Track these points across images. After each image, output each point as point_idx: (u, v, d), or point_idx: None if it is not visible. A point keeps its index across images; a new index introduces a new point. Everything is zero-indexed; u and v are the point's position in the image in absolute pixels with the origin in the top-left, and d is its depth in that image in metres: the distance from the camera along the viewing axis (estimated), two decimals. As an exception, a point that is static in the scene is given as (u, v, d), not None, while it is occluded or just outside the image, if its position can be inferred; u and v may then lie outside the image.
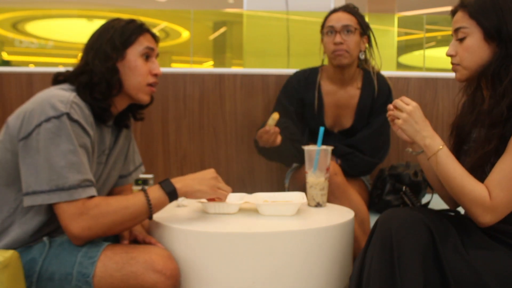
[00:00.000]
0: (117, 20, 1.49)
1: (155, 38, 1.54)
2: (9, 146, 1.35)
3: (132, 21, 1.49)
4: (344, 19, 2.09)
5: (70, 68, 1.48)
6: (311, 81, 2.23)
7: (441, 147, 1.35)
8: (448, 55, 1.43)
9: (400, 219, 1.28)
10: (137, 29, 1.48)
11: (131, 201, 1.36)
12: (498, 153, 1.32)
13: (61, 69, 1.52)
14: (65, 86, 1.43)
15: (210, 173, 1.49)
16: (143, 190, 1.38)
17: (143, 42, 1.48)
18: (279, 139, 1.92)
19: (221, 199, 1.51)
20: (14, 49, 5.33)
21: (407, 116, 1.39)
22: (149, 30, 1.51)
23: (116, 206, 1.33)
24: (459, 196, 1.33)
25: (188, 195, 1.43)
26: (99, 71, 1.42)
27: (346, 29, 2.08)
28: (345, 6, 2.14)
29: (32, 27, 5.62)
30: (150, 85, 1.50)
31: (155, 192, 1.38)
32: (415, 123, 1.38)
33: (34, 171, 1.29)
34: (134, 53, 1.46)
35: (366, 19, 2.22)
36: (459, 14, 1.40)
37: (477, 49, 1.37)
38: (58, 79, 1.47)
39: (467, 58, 1.38)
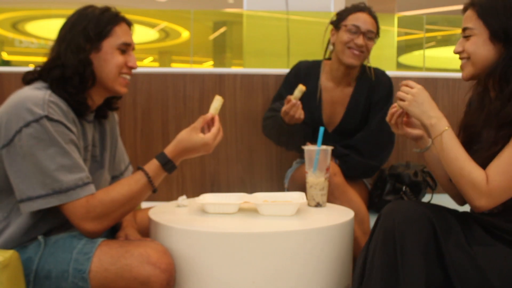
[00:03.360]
0: (91, 8, 1.44)
1: (130, 26, 1.50)
2: None
3: (107, 10, 1.44)
4: (370, 23, 2.09)
5: (38, 68, 1.44)
6: (313, 73, 2.21)
7: (446, 128, 1.37)
8: (455, 52, 1.44)
9: (403, 212, 1.28)
10: (113, 19, 1.44)
11: (133, 186, 1.38)
12: None
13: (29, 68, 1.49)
14: (38, 84, 1.39)
15: (201, 143, 1.46)
16: (140, 169, 1.40)
17: (120, 36, 1.44)
18: (303, 114, 1.96)
19: None
20: (14, 49, 5.33)
21: (412, 97, 1.42)
22: (125, 19, 1.48)
23: (120, 197, 1.36)
24: (457, 178, 1.34)
25: (187, 155, 1.46)
26: (71, 64, 1.38)
27: (369, 35, 2.08)
28: (369, 9, 2.13)
29: (32, 27, 5.61)
30: (121, 74, 1.46)
31: (152, 167, 1.41)
32: (421, 104, 1.40)
33: (24, 178, 1.29)
34: (110, 46, 1.43)
35: None
36: (468, 13, 1.41)
37: (482, 47, 1.38)
38: (29, 77, 1.43)
39: (474, 54, 1.39)
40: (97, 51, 1.42)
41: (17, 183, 1.30)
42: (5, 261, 1.21)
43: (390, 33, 4.58)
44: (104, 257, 1.32)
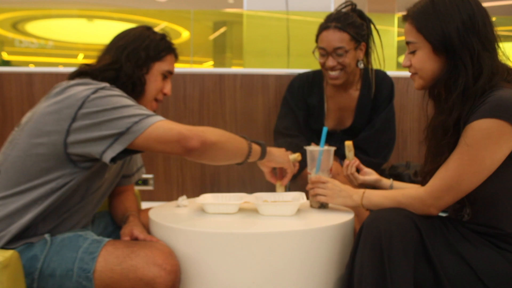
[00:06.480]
0: (152, 30, 1.57)
1: (176, 58, 1.63)
2: (41, 140, 1.33)
3: (165, 37, 1.58)
4: (335, 40, 2.02)
5: (86, 67, 1.49)
6: (316, 84, 2.22)
7: (362, 191, 1.48)
8: (404, 66, 1.45)
9: (387, 219, 1.30)
10: (168, 47, 1.57)
11: (237, 137, 1.48)
12: None
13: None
14: (87, 80, 1.43)
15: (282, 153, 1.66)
16: (244, 137, 1.51)
17: (168, 64, 1.57)
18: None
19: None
20: (14, 49, 5.32)
21: (331, 191, 1.54)
22: (175, 50, 1.61)
23: (221, 131, 1.44)
24: (404, 207, 1.38)
25: (269, 159, 1.63)
26: (129, 72, 1.47)
27: (339, 52, 2.02)
28: (337, 19, 2.03)
29: (32, 27, 5.61)
30: (156, 100, 1.58)
31: (255, 144, 1.55)
32: (339, 191, 1.53)
33: (105, 126, 1.31)
34: (157, 69, 1.54)
35: None
36: (408, 26, 1.41)
37: (428, 61, 1.38)
38: (77, 72, 1.48)
39: (421, 69, 1.40)
40: (147, 70, 1.53)
41: (100, 135, 1.31)
42: (5, 261, 1.21)
43: (390, 33, 4.58)
44: (110, 257, 1.32)
